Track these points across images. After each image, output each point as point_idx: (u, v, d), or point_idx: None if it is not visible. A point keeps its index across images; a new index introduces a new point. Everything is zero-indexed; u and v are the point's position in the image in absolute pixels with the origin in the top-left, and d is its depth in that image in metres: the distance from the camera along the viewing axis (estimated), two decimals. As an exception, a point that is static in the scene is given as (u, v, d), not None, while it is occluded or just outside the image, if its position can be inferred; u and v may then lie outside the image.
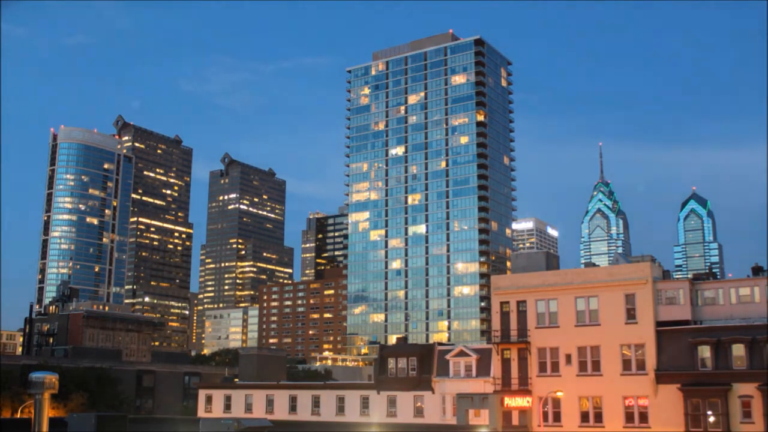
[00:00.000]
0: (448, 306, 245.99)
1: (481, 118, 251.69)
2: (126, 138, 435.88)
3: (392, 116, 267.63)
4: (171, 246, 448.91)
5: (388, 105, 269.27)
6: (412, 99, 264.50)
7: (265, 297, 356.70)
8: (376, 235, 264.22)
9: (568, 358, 70.64)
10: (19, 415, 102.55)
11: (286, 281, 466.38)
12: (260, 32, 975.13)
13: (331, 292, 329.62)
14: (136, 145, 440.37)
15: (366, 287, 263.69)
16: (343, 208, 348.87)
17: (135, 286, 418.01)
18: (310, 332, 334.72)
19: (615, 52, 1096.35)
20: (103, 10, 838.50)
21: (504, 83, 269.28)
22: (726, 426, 62.28)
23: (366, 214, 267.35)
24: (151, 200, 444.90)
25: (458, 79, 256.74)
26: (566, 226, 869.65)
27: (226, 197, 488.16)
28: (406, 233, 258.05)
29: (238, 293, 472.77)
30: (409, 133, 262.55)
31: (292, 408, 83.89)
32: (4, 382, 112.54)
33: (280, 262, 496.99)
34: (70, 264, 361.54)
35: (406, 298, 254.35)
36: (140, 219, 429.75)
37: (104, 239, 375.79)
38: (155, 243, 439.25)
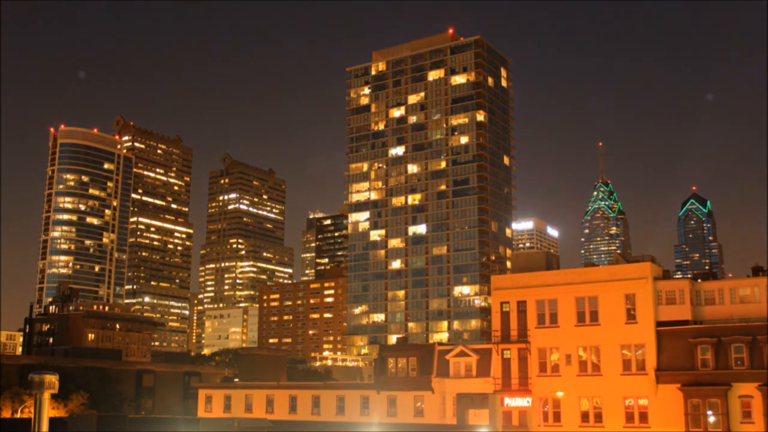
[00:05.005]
0: (448, 306, 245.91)
1: (481, 118, 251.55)
2: (126, 138, 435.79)
3: (392, 116, 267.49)
4: (171, 246, 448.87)
5: (388, 105, 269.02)
6: (412, 99, 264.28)
7: (265, 297, 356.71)
8: (376, 235, 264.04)
9: (568, 358, 70.67)
10: (19, 415, 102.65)
11: (286, 281, 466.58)
12: (260, 32, 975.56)
13: (331, 292, 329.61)
14: (136, 145, 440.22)
15: (366, 287, 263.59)
16: (343, 208, 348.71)
17: (135, 286, 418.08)
18: (310, 332, 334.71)
19: (615, 52, 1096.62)
20: (102, 10, 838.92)
21: (504, 83, 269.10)
22: (726, 426, 62.30)
23: (366, 214, 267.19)
24: (151, 200, 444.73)
25: (458, 79, 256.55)
26: (566, 226, 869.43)
27: (226, 197, 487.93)
28: (406, 233, 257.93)
29: (238, 293, 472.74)
30: (409, 133, 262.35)
31: (292, 408, 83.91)
32: (4, 382, 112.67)
33: (280, 262, 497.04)
34: (70, 264, 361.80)
35: (406, 298, 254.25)
36: (140, 219, 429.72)
37: (104, 239, 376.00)
38: (155, 243, 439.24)
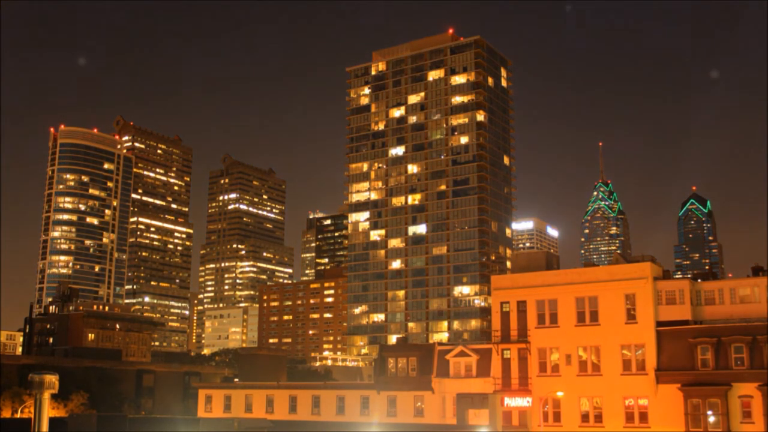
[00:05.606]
0: (448, 306, 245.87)
1: (481, 118, 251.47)
2: (126, 138, 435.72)
3: (392, 116, 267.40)
4: (171, 246, 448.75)
5: (388, 105, 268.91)
6: (412, 99, 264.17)
7: (265, 297, 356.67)
8: (376, 235, 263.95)
9: (568, 358, 70.64)
10: (19, 415, 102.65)
11: (286, 281, 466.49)
12: (260, 32, 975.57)
13: (331, 292, 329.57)
14: (136, 145, 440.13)
15: (366, 287, 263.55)
16: (343, 208, 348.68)
17: (135, 286, 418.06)
18: (310, 332, 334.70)
19: (615, 52, 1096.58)
20: (102, 10, 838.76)
21: (504, 83, 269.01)
22: (726, 426, 62.30)
23: (366, 214, 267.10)
24: (151, 200, 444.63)
25: (458, 79, 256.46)
26: (566, 226, 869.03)
27: (226, 197, 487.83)
28: (406, 233, 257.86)
29: (238, 293, 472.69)
30: (409, 133, 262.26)
31: (292, 408, 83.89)
32: (4, 382, 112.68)
33: (280, 262, 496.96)
34: (70, 264, 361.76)
35: (406, 298, 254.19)
36: (140, 219, 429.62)
37: (104, 239, 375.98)
38: (155, 243, 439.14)
